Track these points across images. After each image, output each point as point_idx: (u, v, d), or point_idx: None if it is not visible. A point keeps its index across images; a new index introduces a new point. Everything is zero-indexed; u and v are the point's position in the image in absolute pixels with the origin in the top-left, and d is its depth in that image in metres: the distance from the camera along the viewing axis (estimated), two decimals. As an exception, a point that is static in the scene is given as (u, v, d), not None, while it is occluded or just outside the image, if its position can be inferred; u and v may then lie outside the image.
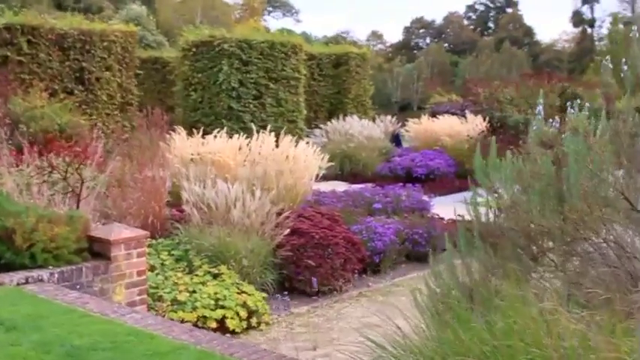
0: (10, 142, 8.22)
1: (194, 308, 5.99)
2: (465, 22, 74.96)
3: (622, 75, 3.26)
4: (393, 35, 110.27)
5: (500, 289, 2.96)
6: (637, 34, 3.52)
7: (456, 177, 15.65)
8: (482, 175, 3.55)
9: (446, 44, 69.60)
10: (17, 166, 7.18)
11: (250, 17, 55.51)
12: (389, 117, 21.04)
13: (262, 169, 9.04)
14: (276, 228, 7.55)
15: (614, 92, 3.37)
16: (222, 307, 6.10)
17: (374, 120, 20.06)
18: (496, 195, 3.53)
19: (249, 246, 7.12)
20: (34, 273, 5.05)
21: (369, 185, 12.81)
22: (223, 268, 6.76)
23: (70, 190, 6.82)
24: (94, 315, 4.34)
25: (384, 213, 9.68)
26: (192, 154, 9.64)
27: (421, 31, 74.61)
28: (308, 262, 7.24)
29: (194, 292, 6.21)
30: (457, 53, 64.23)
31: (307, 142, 10.15)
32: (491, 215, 3.53)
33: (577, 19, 67.60)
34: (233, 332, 5.98)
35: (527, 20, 76.97)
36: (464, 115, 18.35)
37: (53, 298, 4.66)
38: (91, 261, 5.41)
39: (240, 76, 15.63)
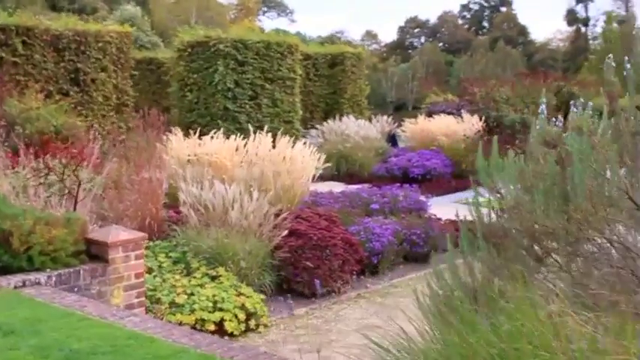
0: (6, 143, 8.18)
1: (192, 311, 5.95)
2: (460, 21, 75.00)
3: (624, 73, 3.24)
4: (388, 35, 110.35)
5: (504, 290, 2.93)
6: None
7: (452, 177, 15.65)
8: (484, 175, 3.53)
9: (440, 43, 69.66)
10: (13, 168, 7.14)
11: (245, 17, 55.44)
12: (385, 117, 21.04)
13: (259, 170, 9.01)
14: (274, 229, 7.52)
15: (617, 91, 3.34)
16: (221, 309, 6.07)
17: (370, 120, 20.02)
18: (498, 195, 3.51)
19: (247, 247, 7.08)
20: (32, 276, 5.01)
21: (366, 186, 12.80)
22: (221, 270, 6.73)
23: (67, 192, 6.78)
24: (93, 318, 4.30)
25: (381, 214, 9.66)
26: (188, 155, 9.60)
27: (415, 30, 74.62)
28: (306, 263, 7.21)
29: (192, 294, 6.18)
30: (452, 52, 64.29)
31: (304, 143, 10.12)
32: (493, 215, 3.51)
33: (571, 17, 67.81)
34: (231, 335, 5.95)
35: (522, 19, 77.34)
36: (460, 115, 18.35)
37: (51, 301, 4.62)
38: (88, 263, 5.36)
39: (236, 77, 15.55)
